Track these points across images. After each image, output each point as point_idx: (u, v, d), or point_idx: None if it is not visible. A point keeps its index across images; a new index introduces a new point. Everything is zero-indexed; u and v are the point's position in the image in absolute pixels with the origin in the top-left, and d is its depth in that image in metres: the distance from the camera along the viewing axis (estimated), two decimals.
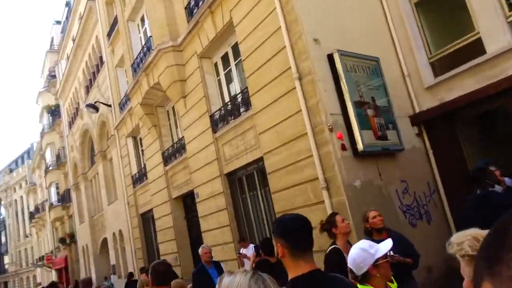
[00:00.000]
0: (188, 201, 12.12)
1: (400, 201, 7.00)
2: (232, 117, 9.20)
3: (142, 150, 15.18)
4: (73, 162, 24.52)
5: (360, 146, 6.52)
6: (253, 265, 6.42)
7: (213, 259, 6.74)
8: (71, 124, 24.92)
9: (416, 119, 8.12)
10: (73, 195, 25.01)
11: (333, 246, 3.52)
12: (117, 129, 16.43)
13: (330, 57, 6.91)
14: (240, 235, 9.06)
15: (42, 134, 31.45)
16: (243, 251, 8.18)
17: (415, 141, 7.96)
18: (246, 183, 9.32)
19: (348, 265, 2.41)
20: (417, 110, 8.13)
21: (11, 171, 55.73)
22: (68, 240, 27.35)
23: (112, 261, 18.82)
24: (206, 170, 10.03)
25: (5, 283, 55.00)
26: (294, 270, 1.87)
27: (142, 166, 15.23)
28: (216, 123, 9.70)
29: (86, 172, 22.66)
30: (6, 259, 55.68)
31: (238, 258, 8.13)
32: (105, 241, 20.31)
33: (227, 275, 1.33)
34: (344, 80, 6.82)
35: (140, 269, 12.40)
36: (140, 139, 15.27)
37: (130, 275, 14.82)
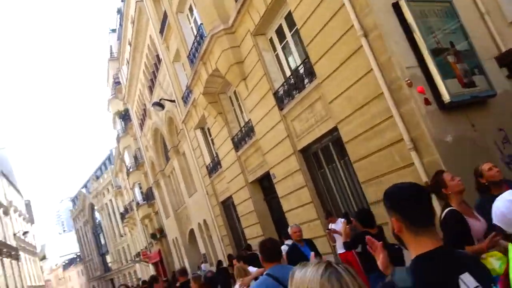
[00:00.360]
0: (265, 183, 12.02)
1: (501, 152, 6.21)
2: (297, 91, 8.81)
3: (212, 140, 15.32)
4: (150, 161, 25.63)
5: (446, 98, 5.84)
6: (348, 238, 6.06)
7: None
8: (141, 125, 25.98)
9: (504, 59, 7.16)
10: (155, 192, 26.22)
11: (448, 209, 3.05)
12: (185, 122, 16.73)
13: (396, 6, 6.24)
14: (325, 210, 8.74)
15: (118, 139, 33.26)
16: (332, 226, 7.88)
17: (506, 84, 7.02)
18: (323, 156, 8.93)
19: (494, 221, 1.99)
20: (503, 49, 7.17)
21: (97, 178, 59.99)
22: (158, 235, 28.88)
23: (202, 250, 19.50)
24: (279, 150, 9.79)
25: (111, 280, 59.96)
26: (415, 247, 1.62)
27: (215, 155, 15.39)
28: (281, 100, 9.37)
29: (163, 169, 23.57)
30: (108, 258, 60.55)
31: (328, 234, 7.84)
32: (192, 232, 21.08)
33: (299, 269, 1.24)
34: (416, 29, 6.13)
35: (228, 256, 12.60)
36: (208, 129, 15.40)
37: (219, 263, 15.20)
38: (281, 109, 9.35)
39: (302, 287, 1.19)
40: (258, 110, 10.26)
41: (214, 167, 15.27)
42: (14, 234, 32.26)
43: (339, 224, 7.79)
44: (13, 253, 29.15)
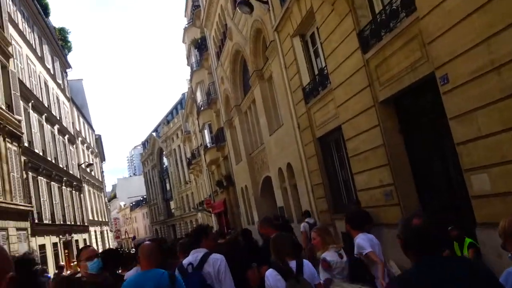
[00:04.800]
0: (407, 102, 7.51)
1: None
2: None
3: (316, 50, 10.99)
4: (224, 95, 21.94)
5: None
6: None
7: None
8: (219, 54, 22.20)
9: None
10: (227, 133, 22.68)
11: None
12: (278, 31, 12.46)
13: None
14: None
15: (191, 75, 30.02)
16: None
17: None
18: None
19: None
20: None
21: (168, 122, 58.70)
22: (225, 182, 25.64)
23: (279, 202, 15.61)
24: (467, 26, 5.20)
25: (173, 226, 59.71)
26: None
27: (317, 72, 11.06)
28: None
29: (240, 103, 19.74)
30: (172, 205, 60.11)
31: None
32: (267, 180, 17.28)
33: None
34: None
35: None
36: (312, 36, 11.07)
37: (306, 214, 11.44)
38: None
39: None
40: None
41: (315, 88, 10.95)
42: (79, 165, 30.90)
43: None
44: (74, 183, 27.59)
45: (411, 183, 7.69)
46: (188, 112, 40.24)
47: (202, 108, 28.37)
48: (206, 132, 28.95)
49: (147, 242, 3.74)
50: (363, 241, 4.59)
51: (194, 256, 3.84)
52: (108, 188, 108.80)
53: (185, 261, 3.80)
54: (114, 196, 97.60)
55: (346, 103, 9.00)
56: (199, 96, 29.29)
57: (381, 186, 8.11)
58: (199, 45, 26.41)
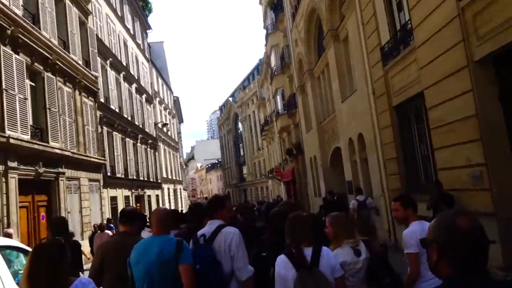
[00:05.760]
0: None
1: None
2: None
3: (399, 2, 9.38)
4: (298, 59, 20.69)
5: None
6: None
7: None
8: (294, 15, 20.84)
9: None
10: (299, 99, 21.57)
11: None
12: None
13: None
14: None
15: (266, 38, 28.98)
16: None
17: None
18: None
19: None
20: None
21: (244, 88, 58.69)
22: (295, 150, 24.75)
23: (348, 176, 14.41)
24: None
25: (244, 190, 60.76)
26: None
27: (399, 28, 9.49)
28: None
29: (313, 68, 18.42)
30: (244, 170, 60.94)
31: None
32: (337, 151, 16.06)
33: None
34: None
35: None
36: None
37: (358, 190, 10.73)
38: None
39: None
40: None
41: (395, 47, 9.42)
42: (155, 124, 31.89)
43: None
44: (150, 141, 28.53)
45: (508, 164, 6.16)
46: (263, 77, 39.53)
47: (275, 73, 27.38)
48: (278, 98, 28.07)
49: (161, 207, 4.01)
50: (411, 235, 3.35)
51: (210, 227, 3.47)
52: (187, 150, 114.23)
53: (200, 232, 3.48)
54: (192, 157, 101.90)
55: (432, 63, 7.48)
56: (273, 61, 28.28)
57: (469, 165, 6.64)
58: (275, 6, 25.16)
